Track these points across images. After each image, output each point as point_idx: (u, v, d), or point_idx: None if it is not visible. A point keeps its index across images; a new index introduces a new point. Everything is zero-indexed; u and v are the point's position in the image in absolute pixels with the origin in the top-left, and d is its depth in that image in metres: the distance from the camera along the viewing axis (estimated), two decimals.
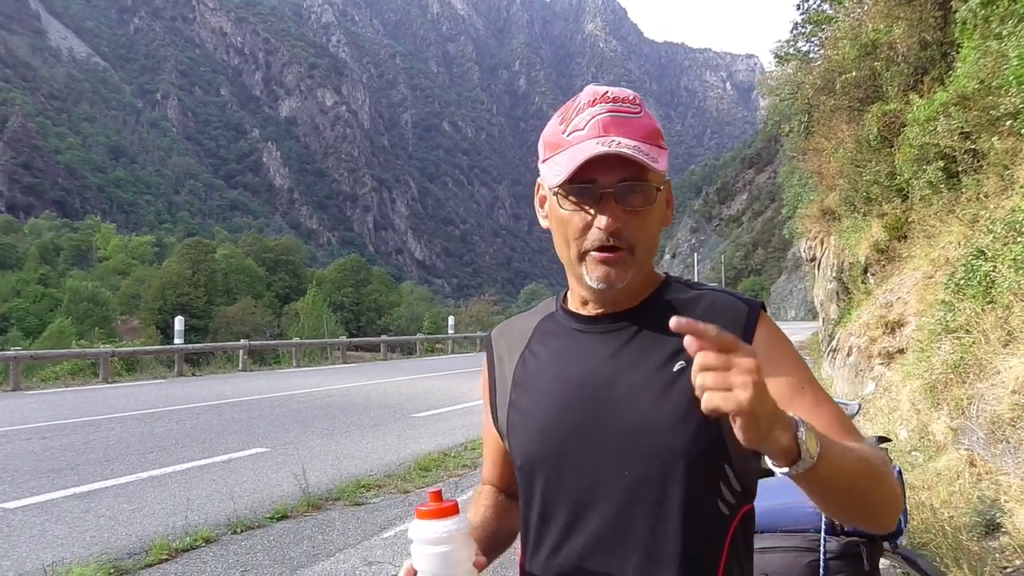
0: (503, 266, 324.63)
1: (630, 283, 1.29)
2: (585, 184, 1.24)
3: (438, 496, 1.23)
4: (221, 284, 75.69)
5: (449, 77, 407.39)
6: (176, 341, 24.97)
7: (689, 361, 1.08)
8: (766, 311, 1.33)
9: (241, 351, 25.68)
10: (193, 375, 23.06)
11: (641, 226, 1.26)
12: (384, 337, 37.83)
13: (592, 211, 1.24)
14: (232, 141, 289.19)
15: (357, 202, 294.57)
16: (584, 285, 1.30)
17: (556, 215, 1.30)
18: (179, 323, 25.72)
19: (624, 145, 1.20)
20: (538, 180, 1.37)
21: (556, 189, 1.27)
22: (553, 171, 1.26)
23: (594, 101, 1.26)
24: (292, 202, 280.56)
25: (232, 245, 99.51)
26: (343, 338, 34.99)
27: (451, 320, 42.89)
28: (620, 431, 1.25)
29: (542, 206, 1.37)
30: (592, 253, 1.26)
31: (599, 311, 1.34)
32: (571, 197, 1.26)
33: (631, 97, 1.28)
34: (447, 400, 15.50)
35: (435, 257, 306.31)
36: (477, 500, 1.54)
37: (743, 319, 1.29)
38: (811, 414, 1.18)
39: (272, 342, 35.47)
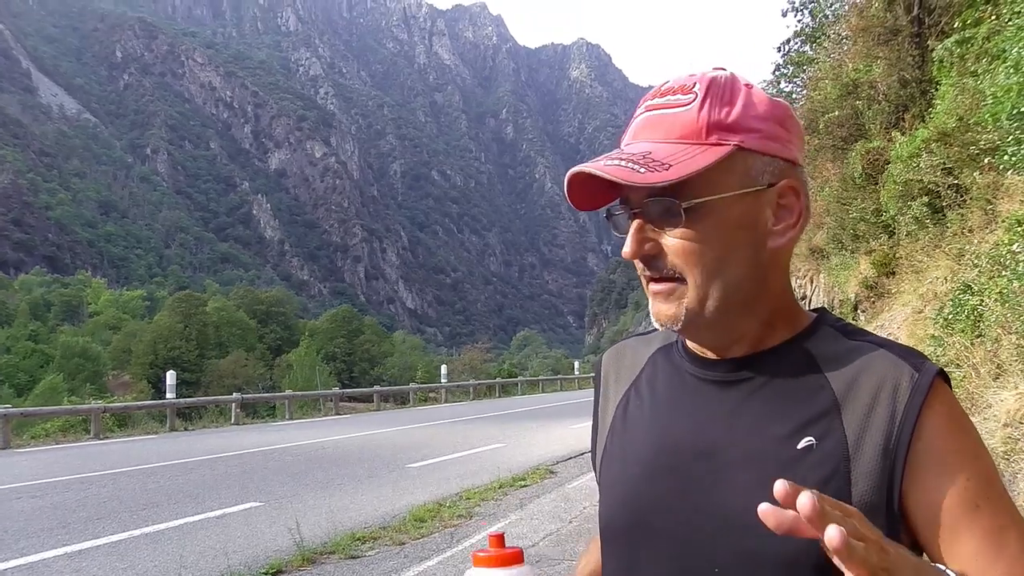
0: (495, 313, 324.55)
1: (701, 323, 1.00)
2: (617, 206, 1.02)
3: (500, 541, 1.06)
4: (213, 337, 75.52)
5: (437, 126, 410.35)
6: (168, 396, 24.81)
7: (820, 438, 0.95)
8: (947, 381, 0.98)
9: (233, 404, 25.53)
10: (185, 429, 22.89)
11: (683, 251, 0.97)
12: (377, 387, 37.76)
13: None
14: (222, 194, 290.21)
15: (348, 252, 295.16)
16: None
17: None
18: (171, 377, 25.58)
19: (618, 156, 0.97)
20: None
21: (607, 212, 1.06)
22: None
23: (646, 98, 1.04)
24: (283, 254, 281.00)
25: (223, 298, 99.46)
26: (336, 389, 34.87)
27: (444, 369, 42.77)
28: (715, 517, 0.98)
29: None
30: (649, 285, 1.03)
31: (713, 354, 1.07)
32: (612, 221, 1.04)
33: (691, 84, 1.00)
34: (442, 449, 15.40)
35: (427, 306, 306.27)
36: (591, 550, 1.27)
37: (906, 395, 0.95)
38: (983, 545, 0.92)
39: (265, 395, 35.27)
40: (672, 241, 0.98)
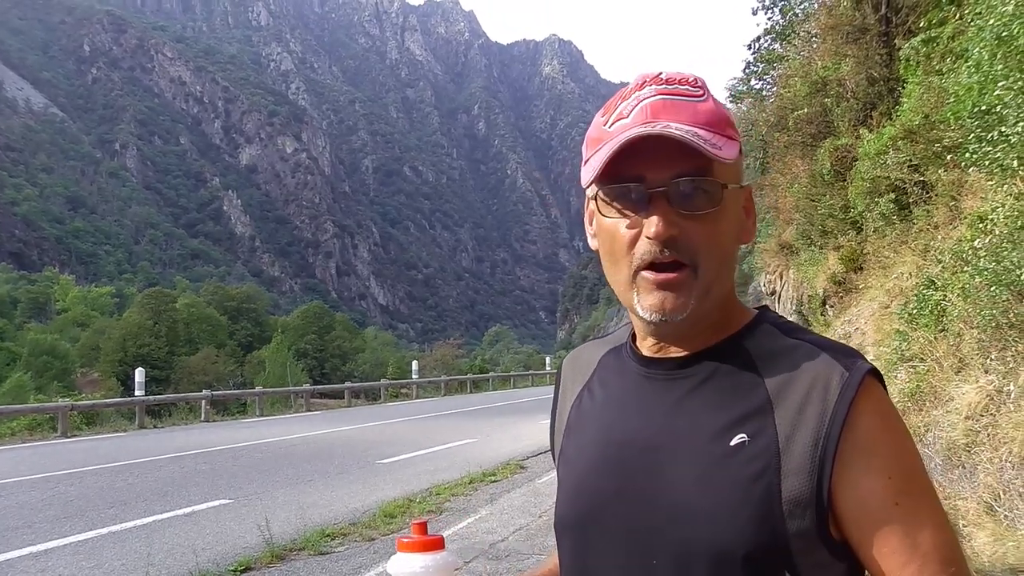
0: (467, 309, 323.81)
1: (697, 315, 1.01)
2: (630, 182, 0.99)
3: (423, 528, 1.13)
4: (183, 334, 74.89)
5: (409, 122, 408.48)
6: (137, 393, 24.58)
7: (753, 435, 0.97)
8: (880, 380, 1.01)
9: (203, 401, 25.33)
10: (155, 427, 22.68)
11: (706, 235, 0.99)
12: (348, 384, 37.64)
13: (640, 216, 0.99)
14: (192, 190, 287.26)
15: (319, 249, 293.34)
16: (637, 316, 1.05)
17: (600, 227, 1.05)
18: (140, 375, 25.35)
19: (675, 128, 0.96)
20: (588, 194, 1.10)
21: (598, 193, 1.03)
22: (588, 170, 1.02)
23: (643, 83, 1.02)
24: (254, 250, 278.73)
25: (194, 294, 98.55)
26: (307, 386, 34.73)
27: (415, 365, 42.69)
28: (655, 510, 1.01)
29: (591, 223, 1.10)
30: (643, 273, 1.00)
31: (659, 351, 1.09)
32: (614, 201, 1.01)
33: (692, 79, 1.03)
34: (412, 445, 15.40)
35: (398, 302, 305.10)
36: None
37: (836, 394, 0.96)
38: (899, 543, 0.94)
39: (235, 391, 35.03)
40: (697, 225, 0.98)
